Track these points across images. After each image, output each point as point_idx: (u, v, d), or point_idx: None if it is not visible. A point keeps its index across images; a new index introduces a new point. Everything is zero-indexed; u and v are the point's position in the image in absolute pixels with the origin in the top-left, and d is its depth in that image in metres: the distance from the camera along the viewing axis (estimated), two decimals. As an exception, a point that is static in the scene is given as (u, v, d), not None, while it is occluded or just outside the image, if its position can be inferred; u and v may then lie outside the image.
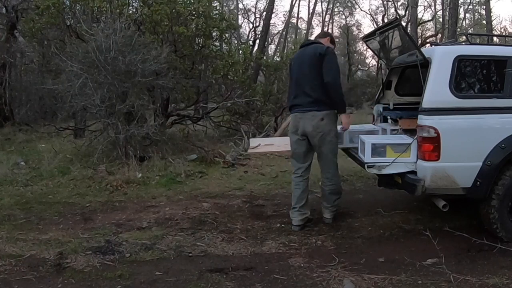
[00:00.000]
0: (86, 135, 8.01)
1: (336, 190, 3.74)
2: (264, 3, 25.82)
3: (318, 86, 3.50)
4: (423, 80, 3.17)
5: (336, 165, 3.72)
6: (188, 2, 7.94)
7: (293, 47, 13.87)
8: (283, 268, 2.89)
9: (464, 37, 11.98)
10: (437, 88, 3.12)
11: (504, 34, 22.67)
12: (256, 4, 39.84)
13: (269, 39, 26.70)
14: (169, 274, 2.82)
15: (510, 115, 3.13)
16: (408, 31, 10.17)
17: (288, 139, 3.85)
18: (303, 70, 3.61)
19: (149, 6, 7.27)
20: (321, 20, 31.72)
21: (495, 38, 17.14)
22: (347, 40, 30.35)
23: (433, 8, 29.04)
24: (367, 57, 33.25)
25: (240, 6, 29.95)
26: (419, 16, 23.87)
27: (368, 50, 21.88)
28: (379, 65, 22.95)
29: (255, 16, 27.93)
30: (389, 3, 28.95)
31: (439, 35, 23.96)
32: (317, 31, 31.51)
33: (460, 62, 3.18)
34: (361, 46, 30.94)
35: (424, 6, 28.13)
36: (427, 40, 24.14)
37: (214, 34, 8.42)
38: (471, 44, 3.50)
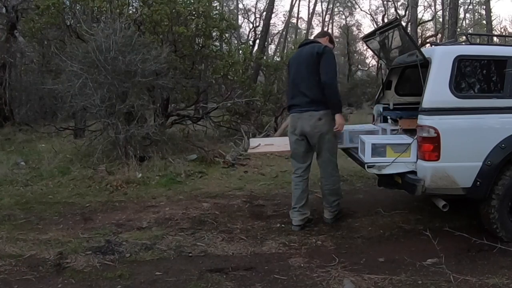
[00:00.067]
0: (86, 135, 8.01)
1: (334, 190, 3.71)
2: (264, 3, 25.85)
3: (315, 85, 3.47)
4: (423, 80, 3.17)
5: (335, 165, 3.69)
6: (188, 2, 7.94)
7: (293, 47, 13.88)
8: (283, 268, 2.89)
9: (464, 37, 11.99)
10: (437, 88, 3.12)
11: (504, 34, 22.68)
12: (256, 4, 39.90)
13: (269, 39, 26.73)
14: (169, 274, 2.82)
15: (510, 115, 3.13)
16: (408, 31, 10.17)
17: (288, 139, 3.84)
18: (300, 70, 3.60)
19: (149, 6, 7.27)
20: (321, 20, 31.76)
21: (495, 38, 17.15)
22: (347, 40, 30.36)
23: (433, 8, 29.08)
24: (367, 57, 33.30)
25: (240, 6, 29.99)
26: (419, 16, 23.88)
27: (368, 50, 21.89)
28: (379, 65, 22.96)
29: (255, 16, 27.97)
30: (389, 3, 28.98)
31: (439, 35, 23.97)
32: (317, 31, 31.54)
33: (460, 62, 3.18)
34: (361, 46, 30.98)
35: (424, 6, 28.18)
36: (427, 40, 24.14)
37: (214, 34, 8.42)
38: (471, 44, 3.50)
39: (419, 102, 3.18)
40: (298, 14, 31.08)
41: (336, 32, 32.83)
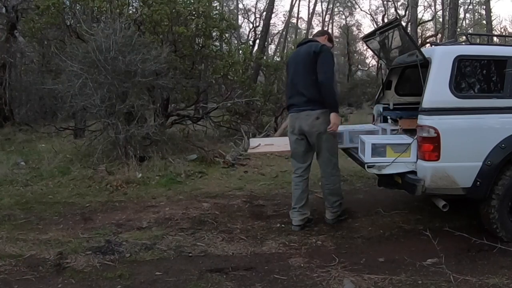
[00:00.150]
0: (86, 135, 8.01)
1: (334, 190, 3.68)
2: (264, 3, 25.86)
3: (312, 85, 3.45)
4: (423, 80, 3.17)
5: (335, 165, 3.66)
6: (188, 2, 7.94)
7: (293, 47, 13.89)
8: (283, 268, 2.89)
9: (464, 37, 11.98)
10: (437, 88, 3.12)
11: (504, 34, 22.68)
12: (256, 4, 39.90)
13: (269, 39, 26.74)
14: (169, 274, 2.82)
15: (510, 115, 3.13)
16: (408, 31, 10.17)
17: (288, 139, 3.84)
18: (297, 69, 3.59)
19: (149, 6, 7.27)
20: (321, 20, 31.76)
21: (495, 38, 17.15)
22: (347, 40, 30.37)
23: (433, 8, 29.09)
24: (367, 57, 33.31)
25: (240, 6, 30.01)
26: (419, 16, 23.89)
27: (368, 50, 21.89)
28: (379, 65, 22.96)
29: (255, 16, 27.99)
30: (389, 3, 28.99)
31: (439, 35, 23.98)
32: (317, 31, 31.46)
33: (460, 62, 3.17)
34: (361, 46, 30.98)
35: (424, 6, 28.20)
36: (427, 40, 24.15)
37: (214, 34, 8.42)
38: (471, 44, 3.50)
39: (419, 102, 3.18)
40: (298, 14, 31.12)
41: (336, 32, 32.85)
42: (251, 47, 15.23)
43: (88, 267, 2.94)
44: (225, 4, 24.52)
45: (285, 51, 20.12)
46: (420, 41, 22.42)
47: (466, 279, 2.64)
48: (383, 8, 29.87)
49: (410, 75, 4.25)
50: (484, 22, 23.59)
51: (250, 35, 25.65)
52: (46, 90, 7.57)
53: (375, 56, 14.27)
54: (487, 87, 3.37)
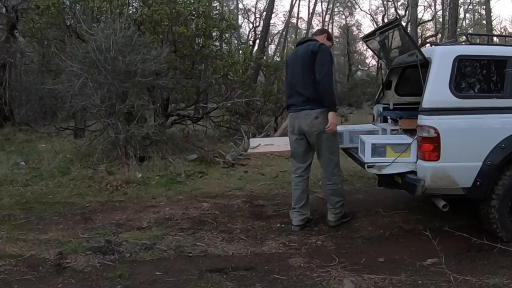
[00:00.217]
0: (86, 135, 8.02)
1: (336, 191, 3.65)
2: (264, 3, 25.86)
3: (311, 84, 3.44)
4: (423, 80, 3.17)
5: (336, 164, 3.63)
6: (188, 2, 7.94)
7: (293, 47, 13.84)
8: (283, 268, 2.89)
9: (464, 37, 11.98)
10: (437, 88, 3.12)
11: (504, 34, 22.68)
12: (256, 4, 39.91)
13: (269, 39, 26.74)
14: (169, 274, 2.82)
15: (510, 115, 3.13)
16: (408, 31, 10.17)
17: (288, 139, 3.84)
18: (295, 69, 3.58)
19: (149, 6, 7.27)
20: (321, 20, 31.74)
21: (495, 38, 17.15)
22: (347, 40, 30.37)
23: (433, 8, 29.09)
24: (367, 57, 33.31)
25: (240, 6, 30.00)
26: (419, 16, 23.89)
27: (368, 50, 21.89)
28: (379, 65, 22.96)
29: (255, 16, 27.98)
30: (389, 3, 28.99)
31: (439, 35, 23.98)
32: (317, 31, 31.42)
33: (460, 62, 3.17)
34: (361, 46, 30.98)
35: (424, 6, 28.20)
36: (427, 40, 24.15)
37: (214, 34, 8.42)
38: (471, 44, 3.50)
39: (419, 102, 3.18)
40: (298, 14, 31.13)
41: (336, 32, 32.85)
42: (251, 47, 15.24)
43: (88, 267, 2.94)
44: (225, 4, 24.53)
45: (285, 51, 20.14)
46: (420, 41, 22.42)
47: (466, 279, 2.64)
48: (383, 8, 29.90)
49: (410, 75, 4.25)
50: (484, 22, 23.60)
51: (250, 35, 25.69)
52: (46, 90, 7.57)
53: (375, 56, 14.27)
54: (487, 87, 3.37)
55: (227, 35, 9.59)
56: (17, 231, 3.66)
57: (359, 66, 32.85)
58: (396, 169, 3.24)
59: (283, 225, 3.77)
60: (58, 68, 7.13)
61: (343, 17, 33.40)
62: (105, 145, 6.15)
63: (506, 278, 2.65)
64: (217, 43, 9.60)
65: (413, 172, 3.19)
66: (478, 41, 5.51)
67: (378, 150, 3.30)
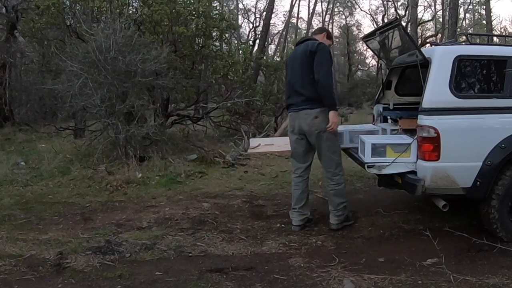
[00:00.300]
0: (86, 135, 8.02)
1: (339, 191, 3.58)
2: (264, 3, 25.86)
3: (310, 84, 3.43)
4: (423, 80, 3.17)
5: (338, 164, 3.58)
6: (188, 2, 7.94)
7: (293, 47, 13.84)
8: (283, 268, 2.89)
9: (464, 37, 11.98)
10: (437, 88, 3.12)
11: (504, 34, 22.69)
12: (256, 4, 39.93)
13: (269, 39, 26.75)
14: (169, 274, 2.82)
15: (510, 115, 3.13)
16: (408, 31, 10.18)
17: (288, 139, 3.84)
18: (294, 69, 3.58)
19: (149, 6, 7.27)
20: (321, 20, 31.72)
21: (495, 38, 17.16)
22: (347, 40, 30.38)
23: (433, 8, 29.10)
24: (367, 57, 33.33)
25: (240, 6, 30.01)
26: (419, 16, 23.89)
27: (368, 50, 21.90)
28: (379, 65, 22.97)
29: (255, 16, 27.99)
30: (389, 3, 28.99)
31: (439, 35, 23.98)
32: (317, 31, 31.41)
33: (460, 62, 3.17)
34: (361, 46, 30.99)
35: (424, 6, 28.20)
36: (427, 40, 24.15)
37: (214, 34, 8.42)
38: (471, 44, 3.50)
39: (419, 102, 3.18)
40: (298, 14, 31.14)
41: (336, 32, 32.84)
42: (251, 47, 15.24)
43: (88, 267, 2.94)
44: (225, 4, 24.54)
45: (285, 51, 20.15)
46: (420, 41, 22.43)
47: (466, 279, 2.64)
48: (383, 8, 29.91)
49: (410, 75, 4.25)
50: (484, 22, 23.60)
51: (250, 35, 25.69)
52: (46, 90, 7.58)
53: (375, 56, 14.27)
54: (487, 87, 3.37)
55: (227, 35, 9.60)
56: (17, 231, 3.66)
57: (359, 66, 32.86)
58: (396, 169, 3.24)
59: (283, 225, 3.76)
60: (58, 68, 7.13)
61: (343, 17, 33.43)
62: (105, 145, 6.15)
63: (506, 278, 2.65)
64: (217, 43, 9.60)
65: (413, 172, 3.19)
66: (478, 41, 5.51)
67: (378, 150, 3.29)
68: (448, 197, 3.16)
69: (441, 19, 26.15)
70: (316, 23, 31.52)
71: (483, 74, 3.39)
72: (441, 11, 25.87)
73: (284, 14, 36.58)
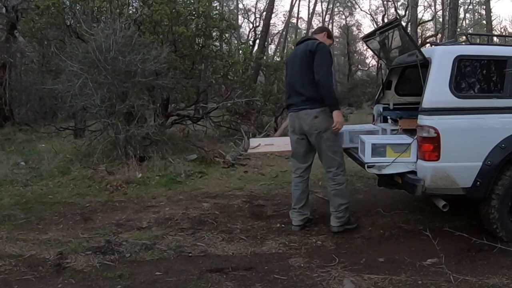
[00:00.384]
0: (86, 135, 8.02)
1: (340, 191, 3.52)
2: (264, 3, 25.87)
3: (310, 84, 3.41)
4: (423, 80, 3.17)
5: (340, 164, 3.53)
6: (188, 2, 7.94)
7: (293, 47, 13.86)
8: (283, 268, 2.89)
9: (464, 37, 11.99)
10: (437, 88, 3.12)
11: (504, 34, 22.69)
12: (256, 4, 39.98)
13: (269, 39, 26.76)
14: (169, 274, 2.82)
15: (510, 115, 3.13)
16: (408, 31, 10.18)
17: (289, 139, 3.83)
18: (295, 68, 3.57)
19: (149, 6, 7.28)
20: (321, 20, 31.72)
21: (495, 38, 17.16)
22: (347, 40, 30.38)
23: (433, 8, 29.11)
24: (367, 57, 33.34)
25: (240, 6, 30.03)
26: (419, 16, 23.90)
27: (368, 50, 21.90)
28: (379, 65, 22.97)
29: (255, 16, 28.00)
30: (389, 3, 29.00)
31: (439, 35, 23.98)
32: (317, 31, 31.43)
33: (460, 62, 3.17)
34: (361, 46, 31.01)
35: (424, 6, 28.22)
36: (427, 40, 24.16)
37: (214, 34, 8.42)
38: (471, 44, 3.50)
39: (419, 102, 3.17)
40: (298, 14, 31.16)
41: (336, 32, 32.83)
42: (251, 47, 15.25)
43: (88, 267, 2.94)
44: (225, 4, 24.54)
45: (285, 51, 20.16)
46: (420, 41, 22.43)
47: (466, 279, 2.64)
48: (383, 8, 29.92)
49: (410, 75, 4.25)
50: (484, 22, 23.61)
51: (250, 35, 25.70)
52: (46, 90, 7.58)
53: (375, 56, 14.27)
54: (487, 87, 3.37)
55: (227, 35, 9.60)
56: (17, 231, 3.66)
57: (359, 66, 32.87)
58: (396, 169, 3.24)
59: (283, 225, 3.76)
60: (58, 68, 7.13)
61: (343, 17, 33.44)
62: (105, 145, 6.15)
63: (506, 278, 2.65)
64: (217, 43, 9.60)
65: (413, 172, 3.19)
66: (478, 41, 5.51)
67: (378, 150, 3.29)
68: (448, 197, 3.16)
69: (441, 19, 26.16)
70: (316, 23, 31.54)
71: (483, 74, 3.39)
72: (441, 11, 25.90)
73: (284, 14, 36.65)
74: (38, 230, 3.70)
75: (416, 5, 18.43)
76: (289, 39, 27.67)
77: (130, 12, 7.72)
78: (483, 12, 25.17)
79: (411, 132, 3.48)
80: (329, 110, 3.43)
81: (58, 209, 4.33)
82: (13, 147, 8.00)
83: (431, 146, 3.04)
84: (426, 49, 3.77)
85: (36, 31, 7.95)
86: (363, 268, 2.86)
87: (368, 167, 3.31)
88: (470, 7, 28.64)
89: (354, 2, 31.50)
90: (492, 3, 24.88)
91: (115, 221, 3.92)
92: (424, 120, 3.09)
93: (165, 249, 3.26)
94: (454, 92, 3.10)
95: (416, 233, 3.50)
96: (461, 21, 26.13)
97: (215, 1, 11.17)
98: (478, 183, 3.06)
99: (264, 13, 20.61)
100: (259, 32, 19.66)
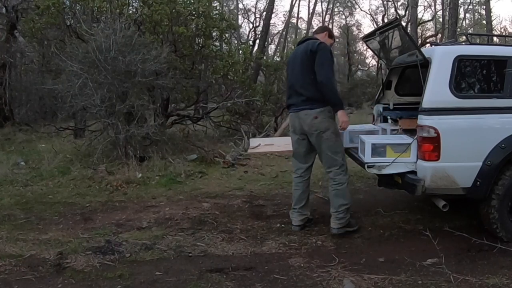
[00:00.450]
0: (86, 135, 8.02)
1: (341, 191, 3.49)
2: (264, 3, 25.86)
3: (310, 84, 3.40)
4: (423, 80, 3.17)
5: (341, 165, 3.50)
6: (188, 2, 7.94)
7: (293, 47, 13.88)
8: (283, 268, 2.89)
9: (464, 37, 11.99)
10: (437, 88, 3.12)
11: (504, 34, 22.69)
12: (256, 4, 39.95)
13: (269, 39, 26.75)
14: (169, 274, 2.82)
15: (510, 115, 3.13)
16: (408, 31, 10.18)
17: (289, 139, 3.83)
18: (295, 69, 3.56)
19: (149, 6, 7.27)
20: (321, 20, 31.74)
21: (495, 38, 17.15)
22: (347, 40, 30.35)
23: (433, 8, 29.09)
24: (367, 57, 33.31)
25: (240, 6, 30.01)
26: (419, 16, 23.89)
27: (368, 50, 21.90)
28: (379, 65, 22.96)
29: (255, 16, 27.99)
30: (389, 3, 28.98)
31: (439, 35, 23.98)
32: (317, 31, 31.44)
33: (460, 62, 3.17)
34: (361, 46, 30.98)
35: (424, 6, 28.20)
36: (427, 40, 24.15)
37: (214, 34, 8.42)
38: (471, 44, 3.50)
39: (419, 102, 3.18)
40: (298, 14, 31.16)
41: (336, 32, 32.80)
42: (251, 47, 15.25)
43: (88, 267, 2.94)
44: (225, 4, 24.54)
45: (285, 51, 20.14)
46: (420, 41, 22.43)
47: (466, 279, 2.64)
48: (383, 8, 29.90)
49: (410, 75, 4.25)
50: (484, 22, 23.60)
51: (250, 35, 25.69)
52: (46, 90, 7.57)
53: (375, 56, 14.27)
54: (487, 87, 3.37)
55: (227, 35, 9.59)
56: (17, 231, 3.66)
57: (359, 66, 32.84)
58: (396, 169, 3.24)
59: (283, 225, 3.76)
60: (58, 68, 7.13)
61: (343, 17, 33.43)
62: (105, 145, 6.15)
63: (506, 278, 2.65)
64: (217, 43, 9.60)
65: (413, 172, 3.19)
66: (478, 41, 5.51)
67: (378, 150, 3.29)
68: (448, 197, 3.16)
69: (441, 19, 26.15)
70: (316, 23, 31.54)
71: (483, 74, 3.39)
72: (441, 11, 25.89)
73: (284, 14, 36.63)
74: (38, 230, 3.70)
75: (416, 5, 18.43)
76: (289, 39, 27.67)
77: (130, 12, 7.72)
78: (483, 12, 25.19)
79: (411, 132, 3.48)
80: (329, 110, 3.44)
81: (58, 209, 4.33)
82: (13, 147, 8.00)
83: (431, 146, 3.04)
84: (426, 49, 3.77)
85: (36, 31, 7.95)
86: (363, 268, 2.86)
87: (368, 167, 3.31)
88: (470, 7, 28.66)
89: (354, 2, 31.52)
90: (492, 3, 24.91)
91: (115, 221, 3.92)
92: (424, 120, 3.09)
93: (165, 249, 3.26)
94: (454, 92, 3.10)
95: (416, 233, 3.50)
96: (461, 21, 26.14)
97: (215, 1, 11.17)
98: (478, 183, 3.06)
99: (264, 13, 20.62)
100: (259, 32, 19.68)
